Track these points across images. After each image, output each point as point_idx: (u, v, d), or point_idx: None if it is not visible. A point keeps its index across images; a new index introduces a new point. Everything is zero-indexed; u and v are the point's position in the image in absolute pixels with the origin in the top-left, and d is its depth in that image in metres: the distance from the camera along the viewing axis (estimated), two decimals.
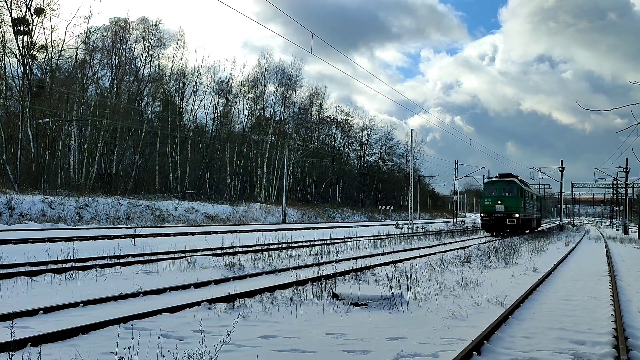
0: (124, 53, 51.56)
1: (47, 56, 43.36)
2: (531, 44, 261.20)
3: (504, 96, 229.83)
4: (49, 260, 12.42)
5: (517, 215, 32.37)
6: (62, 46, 44.20)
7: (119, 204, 34.94)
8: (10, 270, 10.66)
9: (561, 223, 59.33)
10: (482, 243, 23.60)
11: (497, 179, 35.95)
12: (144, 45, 53.33)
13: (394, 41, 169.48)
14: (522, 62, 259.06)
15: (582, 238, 36.72)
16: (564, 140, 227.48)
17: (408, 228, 39.67)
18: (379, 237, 24.48)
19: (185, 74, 56.84)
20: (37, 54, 42.54)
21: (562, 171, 56.63)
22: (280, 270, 12.32)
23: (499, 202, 32.90)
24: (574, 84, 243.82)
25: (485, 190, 35.05)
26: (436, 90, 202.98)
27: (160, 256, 14.24)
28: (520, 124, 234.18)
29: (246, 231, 27.21)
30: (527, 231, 38.43)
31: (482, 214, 34.16)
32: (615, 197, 77.53)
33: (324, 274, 10.97)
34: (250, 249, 17.07)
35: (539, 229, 48.27)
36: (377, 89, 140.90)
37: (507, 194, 33.34)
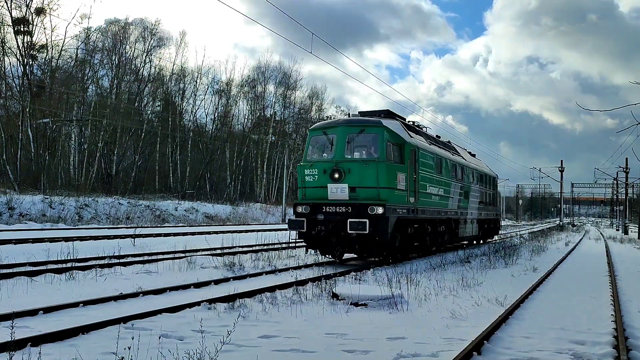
0: (124, 53, 51.61)
1: (47, 56, 43.41)
2: (518, 46, 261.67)
3: (496, 97, 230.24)
4: (49, 260, 12.42)
5: (379, 211, 13.08)
6: (62, 46, 44.26)
7: (119, 204, 34.93)
8: (10, 270, 10.66)
9: (561, 223, 59.40)
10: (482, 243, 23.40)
11: (338, 120, 15.54)
12: (144, 45, 53.37)
13: (383, 42, 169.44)
14: (512, 64, 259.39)
15: (582, 238, 36.72)
16: (556, 140, 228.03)
17: None
18: None
19: (186, 74, 56.90)
20: (37, 54, 42.57)
21: (562, 171, 56.70)
22: (280, 270, 12.32)
23: (337, 175, 13.63)
24: (563, 85, 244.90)
25: (309, 147, 15.07)
26: (430, 91, 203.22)
27: (160, 256, 14.24)
28: (512, 124, 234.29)
29: (246, 231, 27.21)
30: (440, 248, 18.50)
31: (297, 207, 14.32)
32: (615, 197, 77.55)
33: (324, 274, 10.98)
34: (250, 249, 17.07)
35: (492, 239, 27.46)
36: (369, 90, 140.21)
37: (358, 155, 14.58)
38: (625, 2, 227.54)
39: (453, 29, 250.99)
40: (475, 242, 24.35)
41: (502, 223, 79.17)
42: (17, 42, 40.68)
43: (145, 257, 13.91)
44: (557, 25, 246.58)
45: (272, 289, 9.41)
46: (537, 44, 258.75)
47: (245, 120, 65.21)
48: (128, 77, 53.06)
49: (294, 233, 14.70)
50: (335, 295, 8.55)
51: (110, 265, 11.89)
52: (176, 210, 39.14)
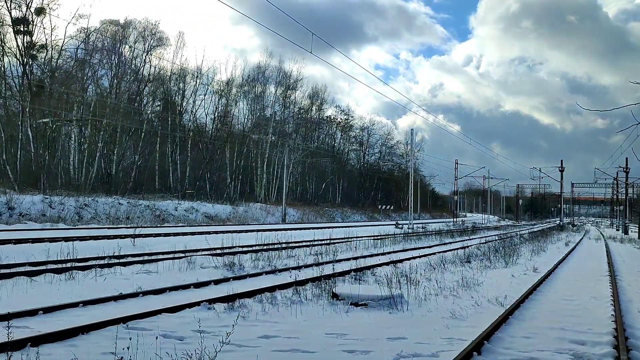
0: (123, 53, 51.55)
1: (47, 56, 43.35)
2: (505, 49, 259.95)
3: (487, 98, 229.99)
4: (49, 260, 12.40)
5: None
6: (62, 46, 44.23)
7: (119, 204, 34.92)
8: (10, 270, 10.64)
9: (561, 223, 59.42)
10: (483, 243, 23.57)
11: None
12: (144, 45, 53.31)
13: (371, 43, 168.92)
14: (502, 65, 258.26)
15: (582, 238, 36.70)
16: (548, 140, 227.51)
17: (408, 228, 39.65)
18: (378, 237, 24.45)
19: (186, 74, 56.84)
20: (37, 54, 42.53)
21: (562, 171, 56.73)
22: (280, 270, 12.31)
23: None
24: (551, 85, 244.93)
25: None
26: (424, 92, 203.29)
27: (160, 256, 14.23)
28: (503, 124, 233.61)
29: (246, 231, 27.18)
30: None
31: None
32: (615, 197, 77.48)
33: (323, 274, 10.96)
34: (250, 249, 17.06)
35: None
36: (361, 90, 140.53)
37: None
38: (612, 3, 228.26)
39: (445, 30, 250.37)
40: None
41: (502, 223, 78.75)
42: (17, 42, 40.62)
43: (145, 257, 13.90)
44: (538, 28, 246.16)
45: (272, 289, 9.41)
46: (522, 46, 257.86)
47: (245, 120, 65.20)
48: (128, 77, 52.98)
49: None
50: (335, 295, 8.54)
51: (110, 265, 11.88)
52: (176, 210, 39.11)
